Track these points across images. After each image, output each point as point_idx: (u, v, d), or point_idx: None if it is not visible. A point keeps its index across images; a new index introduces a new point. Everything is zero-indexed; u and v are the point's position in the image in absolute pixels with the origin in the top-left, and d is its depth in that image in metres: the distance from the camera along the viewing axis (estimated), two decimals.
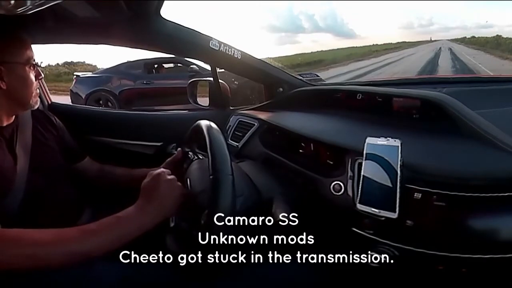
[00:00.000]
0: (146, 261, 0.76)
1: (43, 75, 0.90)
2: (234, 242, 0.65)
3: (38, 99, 0.90)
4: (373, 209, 0.62)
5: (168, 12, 1.02)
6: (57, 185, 0.89)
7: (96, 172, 1.04)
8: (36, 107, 0.89)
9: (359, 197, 0.64)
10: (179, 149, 0.98)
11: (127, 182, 1.01)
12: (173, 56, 5.48)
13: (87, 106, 1.49)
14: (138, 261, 0.77)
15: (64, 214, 0.87)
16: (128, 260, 0.78)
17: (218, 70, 1.29)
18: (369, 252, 0.62)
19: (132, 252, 0.83)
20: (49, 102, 1.36)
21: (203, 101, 1.41)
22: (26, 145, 0.86)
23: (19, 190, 0.80)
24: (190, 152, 0.92)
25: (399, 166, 0.60)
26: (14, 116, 0.88)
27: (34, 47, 0.89)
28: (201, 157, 0.89)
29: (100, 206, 0.98)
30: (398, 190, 0.59)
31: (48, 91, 1.36)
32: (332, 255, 0.74)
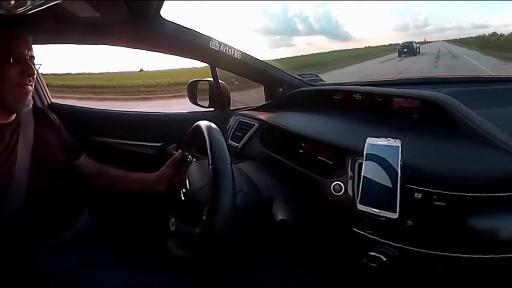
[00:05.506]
0: (148, 264, 0.76)
1: (35, 72, 0.84)
2: (235, 241, 0.65)
3: (30, 100, 0.86)
4: (373, 209, 0.62)
5: (168, 12, 1.02)
6: (58, 182, 0.89)
7: (93, 170, 1.04)
8: (24, 108, 0.86)
9: (359, 197, 0.64)
10: (179, 151, 0.98)
11: (122, 184, 1.01)
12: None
13: (87, 107, 1.48)
14: (140, 264, 0.78)
15: (64, 212, 0.87)
16: (131, 264, 0.78)
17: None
18: (370, 252, 0.62)
19: (135, 256, 0.83)
20: (49, 102, 1.36)
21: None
22: (28, 143, 0.86)
23: (21, 187, 0.80)
24: (189, 156, 0.92)
25: (399, 166, 0.60)
26: (15, 114, 0.88)
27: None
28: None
29: (98, 205, 0.98)
30: (398, 190, 0.59)
31: (48, 91, 1.36)
32: (332, 255, 0.74)
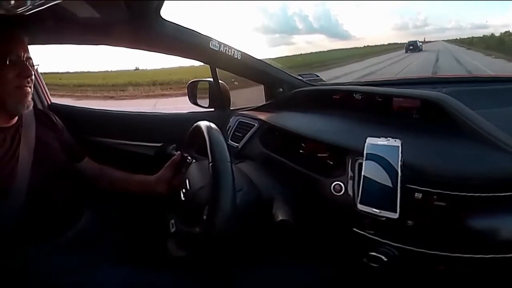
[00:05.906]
0: (149, 264, 0.76)
1: (32, 73, 0.84)
2: (235, 241, 0.65)
3: (30, 102, 0.85)
4: (373, 209, 0.62)
5: (168, 12, 1.02)
6: (60, 183, 0.89)
7: (95, 172, 1.04)
8: (24, 110, 0.85)
9: (359, 197, 0.64)
10: (178, 152, 0.98)
11: (123, 185, 1.02)
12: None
13: (86, 107, 1.48)
14: (141, 265, 0.78)
15: (66, 212, 0.87)
16: (132, 264, 0.78)
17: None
18: (370, 252, 0.62)
19: (136, 256, 0.83)
20: (49, 102, 1.36)
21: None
22: (29, 144, 0.86)
23: (22, 188, 0.80)
24: (189, 157, 0.92)
25: (399, 166, 0.60)
26: (17, 117, 0.88)
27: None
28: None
29: (99, 205, 0.99)
30: (398, 190, 0.59)
31: (47, 92, 1.36)
32: (332, 255, 0.74)
